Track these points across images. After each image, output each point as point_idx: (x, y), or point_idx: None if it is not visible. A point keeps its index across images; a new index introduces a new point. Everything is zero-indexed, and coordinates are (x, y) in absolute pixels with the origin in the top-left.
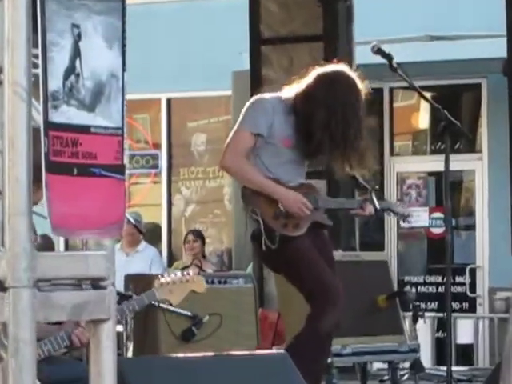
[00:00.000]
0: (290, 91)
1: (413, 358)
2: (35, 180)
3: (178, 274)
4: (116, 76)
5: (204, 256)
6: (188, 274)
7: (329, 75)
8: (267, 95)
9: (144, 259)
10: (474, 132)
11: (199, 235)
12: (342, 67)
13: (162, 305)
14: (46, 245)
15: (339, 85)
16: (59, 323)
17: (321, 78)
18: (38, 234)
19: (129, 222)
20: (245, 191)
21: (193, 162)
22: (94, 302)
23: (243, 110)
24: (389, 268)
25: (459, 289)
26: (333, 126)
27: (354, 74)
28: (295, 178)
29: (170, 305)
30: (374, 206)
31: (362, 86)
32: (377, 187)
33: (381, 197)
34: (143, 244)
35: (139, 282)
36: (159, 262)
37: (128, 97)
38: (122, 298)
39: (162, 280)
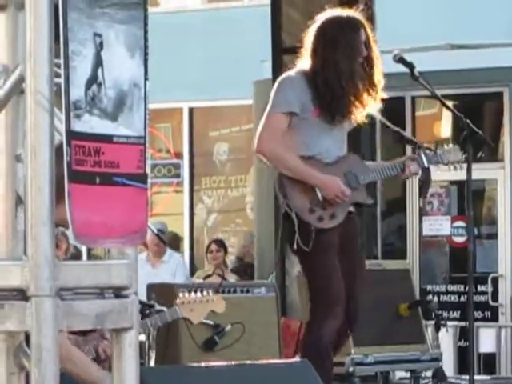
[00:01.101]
0: (304, 62)
1: (435, 367)
2: (57, 196)
3: (199, 293)
4: (138, 85)
5: (226, 265)
6: (208, 293)
7: (323, 26)
8: (290, 72)
9: (170, 269)
10: (496, 141)
11: (222, 245)
12: (331, 12)
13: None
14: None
15: (332, 30)
16: (84, 334)
17: (318, 33)
18: (70, 243)
19: (151, 232)
20: (281, 182)
21: (215, 171)
22: (116, 310)
23: (271, 93)
24: (411, 276)
25: (481, 298)
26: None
27: (345, 12)
28: (334, 149)
29: (191, 323)
30: (421, 164)
31: (357, 16)
32: (424, 144)
33: (430, 149)
34: (168, 253)
35: (161, 292)
36: (183, 269)
37: (150, 106)
38: (145, 307)
39: (184, 298)
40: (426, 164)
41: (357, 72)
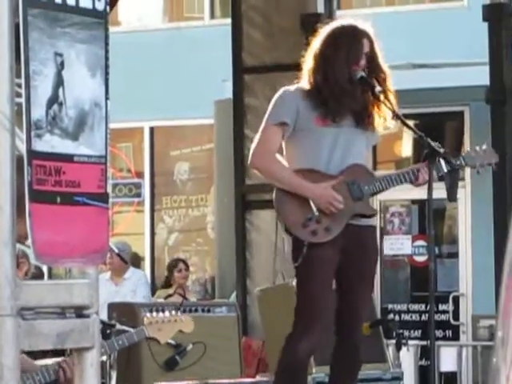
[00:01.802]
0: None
1: None
2: (19, 211)
3: (167, 312)
4: (99, 104)
5: (187, 285)
6: (176, 313)
7: (328, 31)
8: (287, 87)
9: (131, 285)
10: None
11: (186, 265)
12: (331, 25)
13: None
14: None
15: (335, 34)
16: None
17: (322, 36)
18: (31, 264)
19: (111, 250)
20: (277, 198)
21: (175, 191)
22: (77, 330)
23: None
24: (372, 296)
25: (442, 317)
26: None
27: (342, 22)
28: (339, 160)
29: (158, 343)
30: (441, 170)
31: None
32: (442, 149)
33: (453, 154)
34: (130, 270)
35: (123, 311)
36: (144, 287)
37: (111, 125)
38: (106, 326)
39: (152, 318)
40: (444, 169)
41: (345, 77)
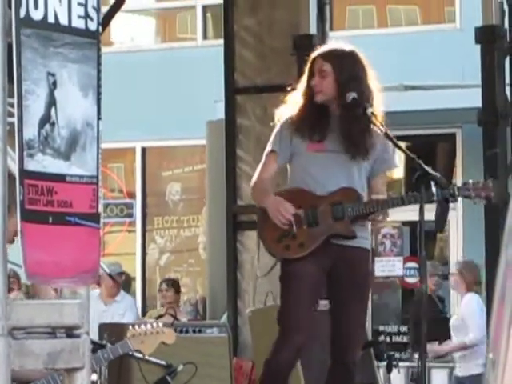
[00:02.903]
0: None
1: None
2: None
3: (149, 325)
4: (91, 124)
5: (178, 305)
6: (158, 325)
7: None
8: (287, 117)
9: (120, 308)
10: (449, 182)
11: (173, 284)
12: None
13: (136, 354)
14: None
15: None
16: None
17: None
18: (22, 283)
19: (104, 272)
20: (258, 214)
21: (167, 211)
22: (68, 350)
23: None
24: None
25: None
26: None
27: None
28: (331, 183)
29: (143, 355)
30: (432, 197)
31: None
32: (438, 175)
33: (445, 180)
34: (121, 294)
35: (113, 331)
36: (133, 311)
37: (102, 145)
38: (96, 346)
39: (134, 331)
40: (435, 195)
41: (302, 97)
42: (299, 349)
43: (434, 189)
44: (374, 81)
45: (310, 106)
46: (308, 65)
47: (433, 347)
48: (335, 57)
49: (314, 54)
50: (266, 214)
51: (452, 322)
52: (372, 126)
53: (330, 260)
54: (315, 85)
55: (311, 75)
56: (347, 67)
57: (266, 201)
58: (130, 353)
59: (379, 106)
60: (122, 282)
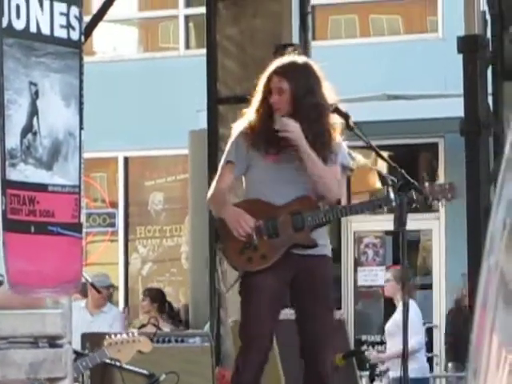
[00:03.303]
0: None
1: None
2: None
3: (124, 334)
4: (73, 134)
5: (161, 314)
6: (134, 334)
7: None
8: (241, 128)
9: (108, 320)
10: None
11: (149, 294)
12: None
13: (118, 363)
14: None
15: None
16: None
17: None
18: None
19: (87, 281)
20: (219, 226)
21: (150, 221)
22: (50, 360)
23: None
24: (345, 327)
25: None
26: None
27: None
28: (287, 192)
29: (120, 363)
30: (390, 202)
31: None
32: (394, 180)
33: (405, 187)
34: (108, 305)
35: (96, 341)
36: (120, 323)
37: (85, 155)
38: (79, 356)
39: (111, 340)
40: (393, 203)
41: (258, 112)
42: (261, 364)
43: (391, 195)
44: (329, 91)
45: (266, 120)
46: (264, 81)
47: (373, 353)
48: (290, 72)
49: (268, 71)
50: (226, 227)
51: (387, 327)
52: (330, 136)
53: (290, 271)
54: (274, 102)
55: (267, 91)
56: (302, 81)
57: (224, 212)
58: (108, 361)
59: (331, 119)
60: (107, 294)
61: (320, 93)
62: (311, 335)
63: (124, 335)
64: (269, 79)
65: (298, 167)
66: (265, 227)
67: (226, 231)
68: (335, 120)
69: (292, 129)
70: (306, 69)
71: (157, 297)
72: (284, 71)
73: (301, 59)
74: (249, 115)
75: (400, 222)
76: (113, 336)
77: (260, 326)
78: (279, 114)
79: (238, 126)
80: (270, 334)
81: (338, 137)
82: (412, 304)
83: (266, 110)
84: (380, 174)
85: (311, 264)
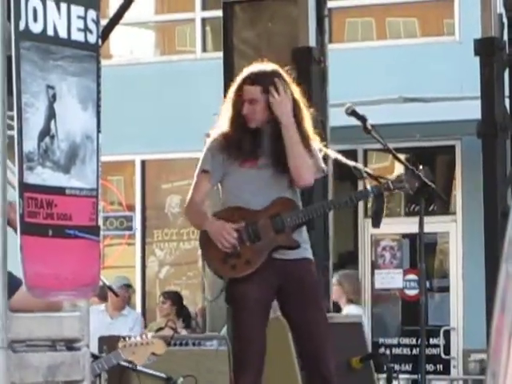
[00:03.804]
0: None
1: None
2: None
3: (138, 337)
4: (91, 137)
5: (179, 317)
6: (147, 336)
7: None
8: (214, 137)
9: (128, 323)
10: (449, 194)
11: (169, 297)
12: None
13: (135, 367)
14: None
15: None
16: None
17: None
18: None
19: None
20: (201, 235)
21: (167, 224)
22: (68, 363)
23: None
24: (363, 330)
25: (433, 351)
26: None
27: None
28: (263, 196)
29: (135, 366)
30: (368, 195)
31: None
32: (368, 170)
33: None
34: (128, 308)
35: (113, 344)
36: (140, 326)
37: (102, 158)
38: (96, 359)
39: (125, 342)
40: (371, 194)
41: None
42: (260, 369)
43: (368, 186)
44: (300, 96)
45: (239, 131)
46: (234, 90)
47: None
48: (261, 80)
49: (238, 81)
50: (206, 237)
51: None
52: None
53: (275, 277)
54: (247, 113)
55: (239, 101)
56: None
57: (205, 224)
58: (123, 363)
59: (309, 120)
60: (128, 296)
61: (292, 97)
62: (308, 341)
63: (138, 338)
64: (239, 89)
65: (274, 171)
66: (246, 233)
67: (208, 241)
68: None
69: (284, 107)
70: (276, 74)
71: (176, 300)
72: (255, 79)
73: (269, 66)
74: (221, 123)
75: (377, 215)
76: (127, 338)
77: (253, 331)
78: (254, 124)
79: (213, 134)
80: (263, 338)
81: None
82: (355, 309)
83: (238, 120)
84: (355, 168)
85: (295, 268)
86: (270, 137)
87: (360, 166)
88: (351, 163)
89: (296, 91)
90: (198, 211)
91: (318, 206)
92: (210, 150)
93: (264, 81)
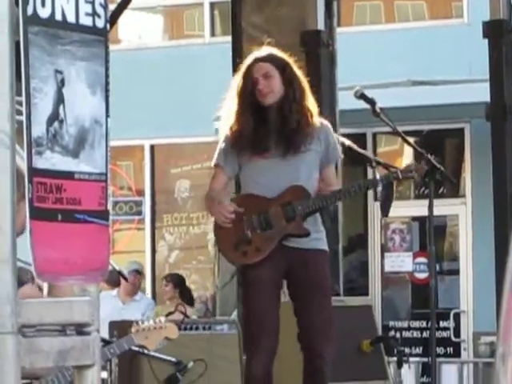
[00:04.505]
0: None
1: None
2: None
3: (151, 321)
4: (99, 122)
5: (185, 300)
6: (161, 321)
7: None
8: (228, 132)
9: (140, 308)
10: (458, 177)
11: (171, 279)
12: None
13: (145, 351)
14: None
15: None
16: None
17: None
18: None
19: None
20: (214, 224)
21: (176, 209)
22: (78, 347)
23: None
24: (373, 313)
25: (443, 333)
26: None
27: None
28: (278, 184)
29: (148, 350)
30: (376, 183)
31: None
32: (378, 159)
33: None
34: (140, 294)
35: (123, 329)
36: (152, 312)
37: (111, 143)
38: (106, 344)
39: (138, 326)
40: (380, 183)
41: (239, 108)
42: (270, 354)
43: (377, 175)
44: (307, 86)
45: (248, 119)
46: (242, 73)
47: None
48: (273, 58)
49: (249, 61)
50: (219, 224)
51: None
52: (310, 120)
53: (285, 262)
54: (263, 88)
55: (248, 83)
56: (286, 67)
57: (212, 209)
58: (135, 348)
59: (312, 100)
60: (138, 281)
61: (300, 78)
62: (307, 324)
63: (151, 322)
64: (250, 68)
65: (286, 159)
66: (257, 221)
67: (220, 229)
68: (313, 104)
69: None
70: (284, 57)
71: (178, 282)
72: (267, 57)
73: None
74: (230, 114)
75: (386, 204)
76: (140, 323)
77: (265, 313)
78: (271, 98)
79: (221, 126)
80: (276, 320)
81: (316, 120)
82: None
83: (247, 105)
84: (366, 157)
85: (306, 258)
86: (279, 119)
87: (370, 154)
88: (362, 151)
89: (304, 81)
90: (211, 198)
91: (330, 194)
92: (224, 143)
93: (276, 59)
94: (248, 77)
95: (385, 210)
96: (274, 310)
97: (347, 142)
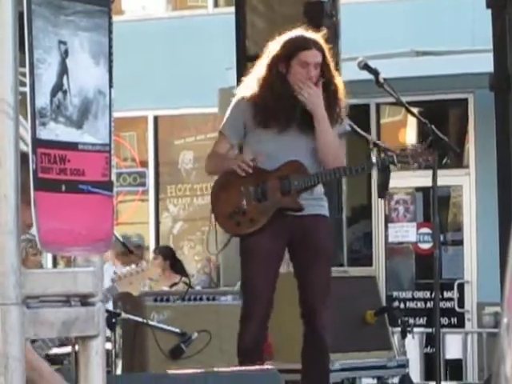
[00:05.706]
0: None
1: (402, 374)
2: (23, 200)
3: (133, 265)
4: (103, 93)
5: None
6: (141, 263)
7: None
8: (241, 96)
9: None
10: (462, 147)
11: (160, 252)
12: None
13: (150, 322)
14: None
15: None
16: None
17: None
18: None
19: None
20: (212, 190)
21: (180, 180)
22: (82, 318)
23: None
24: (377, 283)
25: (448, 304)
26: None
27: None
28: (279, 156)
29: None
30: (375, 165)
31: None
32: (377, 142)
33: (389, 151)
34: None
35: (127, 300)
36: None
37: (115, 114)
38: (111, 315)
39: (120, 274)
40: (376, 166)
41: (274, 84)
42: (263, 321)
43: (373, 158)
44: (334, 69)
45: (275, 96)
46: (282, 52)
47: None
48: (321, 48)
49: (302, 42)
50: (217, 192)
51: None
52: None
53: (287, 230)
54: (314, 78)
55: (282, 63)
56: (326, 58)
57: (226, 163)
58: (132, 317)
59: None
60: (139, 255)
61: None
62: (309, 291)
63: (133, 266)
64: (303, 49)
65: (296, 136)
66: (254, 192)
67: (217, 197)
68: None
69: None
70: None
71: (167, 254)
72: (319, 45)
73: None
74: (255, 83)
75: (382, 187)
76: (121, 270)
77: (259, 286)
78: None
79: (242, 94)
80: (271, 291)
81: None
82: None
83: (280, 81)
84: (365, 137)
85: (308, 223)
86: (302, 107)
87: (370, 136)
88: (362, 133)
89: (332, 63)
90: (219, 157)
91: (328, 172)
92: (233, 110)
93: (323, 49)
94: (297, 56)
95: (381, 193)
96: (271, 279)
97: (348, 122)
